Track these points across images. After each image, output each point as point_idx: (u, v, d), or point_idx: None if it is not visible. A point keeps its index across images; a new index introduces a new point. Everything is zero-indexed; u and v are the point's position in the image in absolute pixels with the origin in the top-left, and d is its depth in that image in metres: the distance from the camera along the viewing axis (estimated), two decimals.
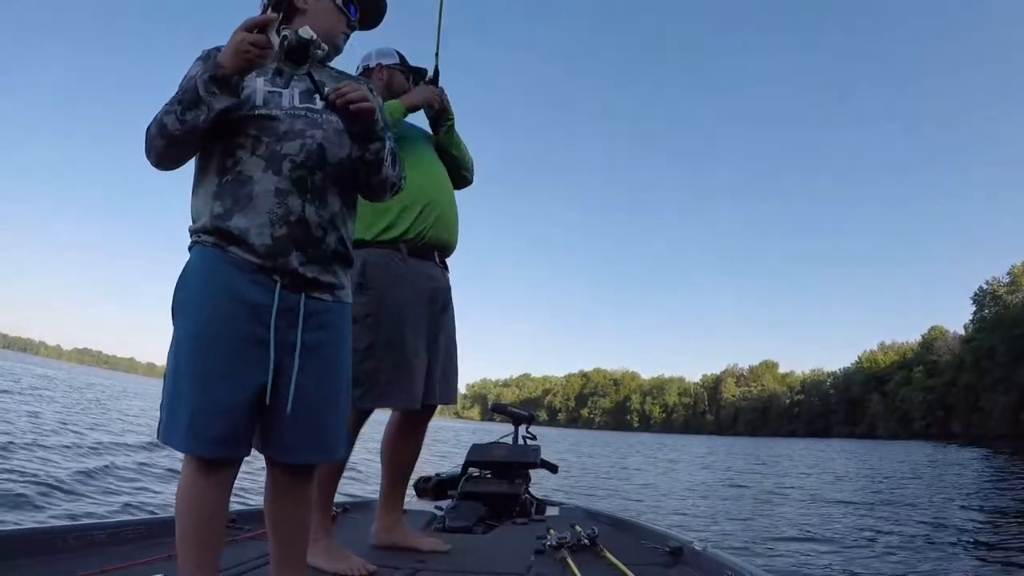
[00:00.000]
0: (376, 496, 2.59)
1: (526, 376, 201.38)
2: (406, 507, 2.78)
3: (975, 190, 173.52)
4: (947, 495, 10.09)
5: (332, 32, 1.59)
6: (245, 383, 1.37)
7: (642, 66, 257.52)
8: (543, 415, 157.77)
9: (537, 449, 4.00)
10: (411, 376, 2.30)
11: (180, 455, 1.42)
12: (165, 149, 1.40)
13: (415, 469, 2.64)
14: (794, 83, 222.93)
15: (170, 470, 6.85)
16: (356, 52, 2.61)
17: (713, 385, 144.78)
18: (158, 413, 1.44)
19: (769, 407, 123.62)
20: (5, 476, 5.31)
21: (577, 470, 14.14)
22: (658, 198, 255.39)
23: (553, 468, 4.20)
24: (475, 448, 3.96)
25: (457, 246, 2.54)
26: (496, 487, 3.66)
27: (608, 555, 2.18)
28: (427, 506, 3.67)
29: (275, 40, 1.37)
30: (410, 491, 2.85)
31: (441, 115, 2.56)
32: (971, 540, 5.93)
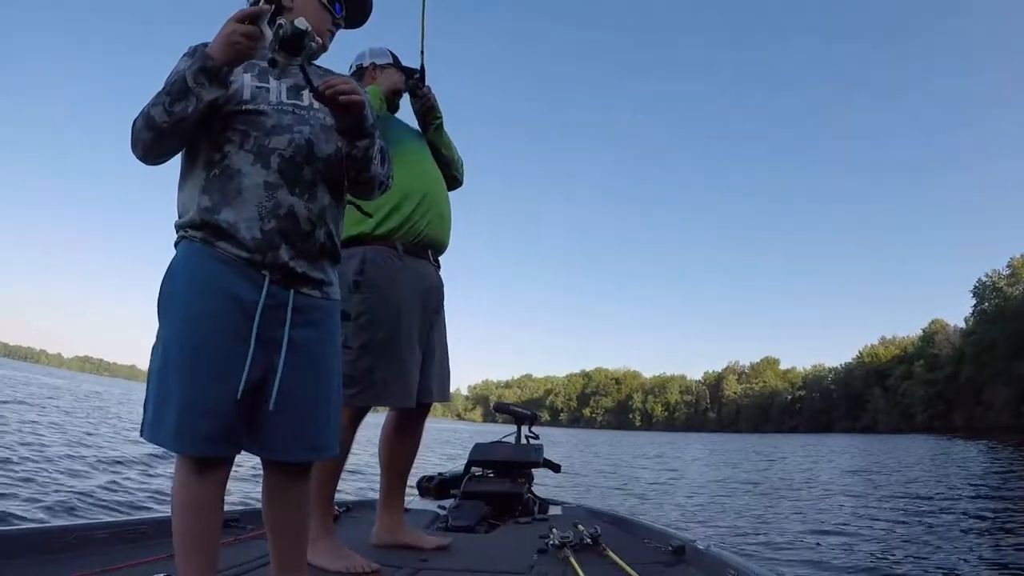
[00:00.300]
0: (377, 496, 2.59)
1: (528, 377, 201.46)
2: (409, 506, 2.79)
3: (973, 184, 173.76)
4: (952, 489, 10.08)
5: (318, 29, 1.59)
6: (233, 381, 1.36)
7: (643, 65, 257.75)
8: (545, 415, 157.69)
9: (540, 448, 4.00)
10: (406, 375, 2.30)
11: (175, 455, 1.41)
12: (152, 142, 1.39)
13: (416, 468, 2.64)
14: (796, 82, 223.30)
15: (170, 470, 6.83)
16: (347, 53, 2.61)
17: (715, 383, 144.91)
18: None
19: (771, 404, 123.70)
20: (5, 476, 5.32)
21: (580, 469, 14.14)
22: (658, 197, 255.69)
23: (556, 467, 4.20)
24: (478, 447, 3.97)
25: (449, 245, 2.54)
26: (499, 486, 3.66)
27: (611, 554, 2.17)
28: (430, 505, 3.68)
29: (267, 32, 1.37)
30: (413, 491, 2.85)
31: (429, 114, 2.57)
32: (977, 534, 5.92)
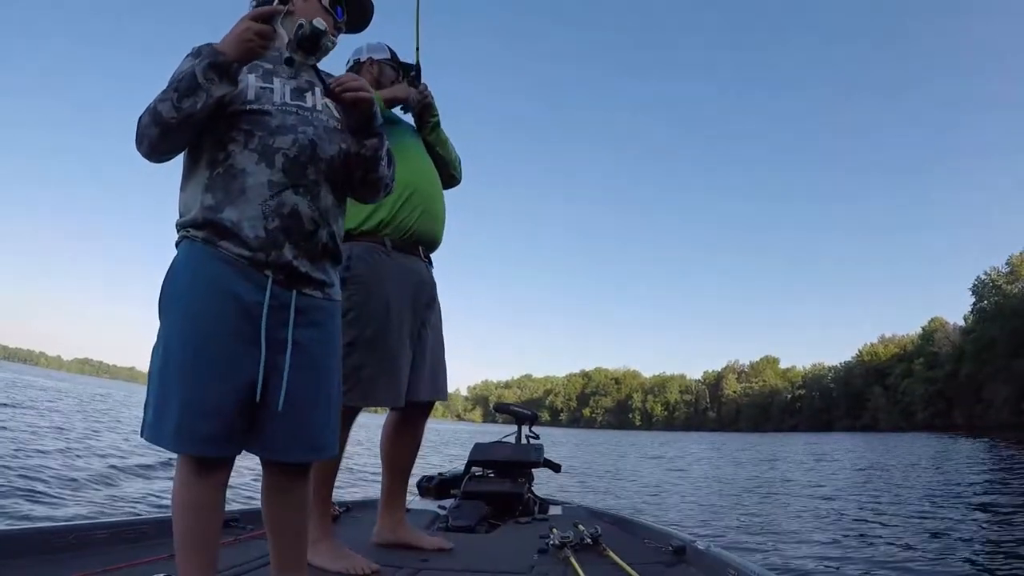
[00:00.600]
0: (378, 496, 2.59)
1: (527, 377, 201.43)
2: (409, 507, 2.78)
3: (972, 181, 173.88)
4: (953, 487, 10.07)
5: None
6: (235, 381, 1.36)
7: (643, 65, 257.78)
8: (545, 415, 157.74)
9: (540, 448, 4.00)
10: (395, 373, 2.27)
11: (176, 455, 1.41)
12: (159, 138, 1.38)
13: (416, 469, 2.63)
14: (796, 82, 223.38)
15: (170, 468, 6.84)
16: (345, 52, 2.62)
17: (714, 382, 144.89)
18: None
19: (771, 403, 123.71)
20: (6, 476, 5.32)
21: (580, 469, 14.13)
22: (658, 197, 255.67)
23: (556, 467, 4.20)
24: (478, 447, 3.97)
25: (442, 242, 2.52)
26: (499, 486, 3.66)
27: (611, 554, 2.17)
28: (430, 505, 3.67)
29: (281, 31, 1.38)
30: (413, 491, 2.85)
31: (426, 112, 2.55)
32: (978, 533, 5.92)
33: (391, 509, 2.49)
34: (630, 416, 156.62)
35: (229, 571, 1.86)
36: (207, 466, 1.38)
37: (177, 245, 1.46)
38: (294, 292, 1.44)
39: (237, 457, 1.45)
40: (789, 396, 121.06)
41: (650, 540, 2.53)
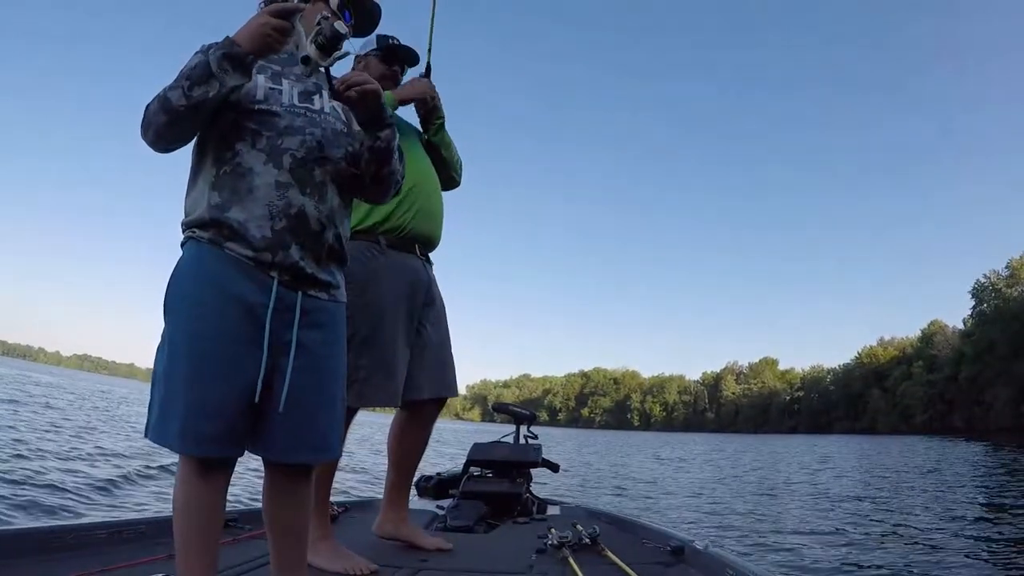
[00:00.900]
0: (378, 495, 2.59)
1: (526, 376, 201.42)
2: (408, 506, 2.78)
3: (972, 184, 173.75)
4: (951, 490, 10.08)
5: None
6: (240, 383, 1.36)
7: (643, 65, 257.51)
8: (544, 415, 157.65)
9: (538, 448, 4.00)
10: (391, 373, 2.25)
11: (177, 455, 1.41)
12: (166, 126, 1.37)
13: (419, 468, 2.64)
14: (796, 82, 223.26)
15: (170, 470, 6.84)
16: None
17: (713, 383, 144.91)
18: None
19: (770, 404, 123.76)
20: (5, 476, 5.32)
21: (578, 469, 14.13)
22: (658, 197, 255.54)
23: (554, 467, 4.20)
24: (476, 447, 3.96)
25: (440, 241, 2.50)
26: (497, 486, 3.66)
27: (609, 554, 2.17)
28: (428, 505, 3.67)
29: (299, 29, 1.38)
30: (411, 491, 2.85)
31: (432, 114, 2.53)
32: (976, 535, 5.92)
33: (394, 504, 2.50)
34: (628, 416, 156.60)
35: (229, 571, 1.86)
36: (209, 467, 1.38)
37: (183, 245, 1.46)
38: (299, 294, 1.44)
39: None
40: (788, 398, 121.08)
41: (648, 540, 2.53)
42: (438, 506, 3.60)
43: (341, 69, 2.49)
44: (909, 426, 74.32)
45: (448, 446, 17.38)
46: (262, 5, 1.63)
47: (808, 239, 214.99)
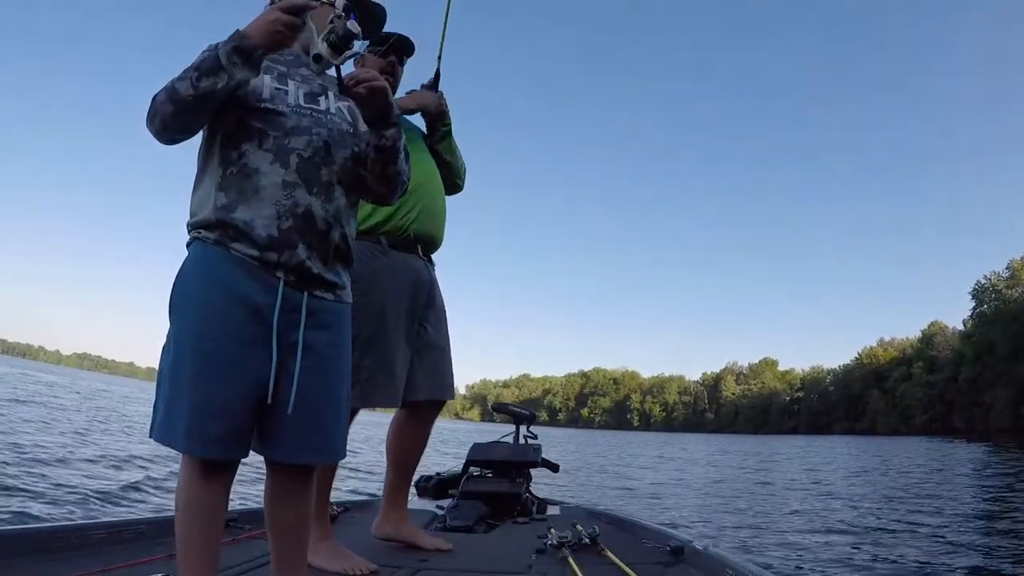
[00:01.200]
0: (378, 495, 2.59)
1: (526, 376, 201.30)
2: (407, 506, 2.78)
3: (972, 185, 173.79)
4: (951, 491, 10.09)
5: None
6: (245, 383, 1.36)
7: (643, 65, 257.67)
8: (543, 415, 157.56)
9: (538, 448, 4.00)
10: (392, 373, 2.26)
11: (178, 454, 1.41)
12: (172, 116, 1.37)
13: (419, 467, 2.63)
14: (796, 82, 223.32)
15: (171, 471, 6.85)
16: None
17: (713, 383, 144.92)
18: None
19: (769, 405, 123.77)
20: (5, 475, 5.32)
21: (578, 469, 14.14)
22: (658, 197, 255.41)
23: (554, 467, 4.21)
24: (476, 447, 3.97)
25: (443, 242, 2.49)
26: (497, 486, 3.67)
27: (609, 554, 2.17)
28: (428, 505, 3.68)
29: (311, 26, 1.38)
30: (411, 490, 2.86)
31: (439, 120, 2.53)
32: (976, 536, 5.93)
33: (394, 505, 2.50)
34: (628, 417, 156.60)
35: (229, 571, 1.86)
36: (213, 468, 1.38)
37: (188, 246, 1.46)
38: (305, 294, 1.44)
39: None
40: (788, 398, 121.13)
41: (648, 540, 2.53)
42: (438, 506, 3.61)
43: (342, 68, 2.51)
44: (909, 427, 74.34)
45: (448, 446, 17.37)
46: (269, 3, 1.63)
47: (808, 239, 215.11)
